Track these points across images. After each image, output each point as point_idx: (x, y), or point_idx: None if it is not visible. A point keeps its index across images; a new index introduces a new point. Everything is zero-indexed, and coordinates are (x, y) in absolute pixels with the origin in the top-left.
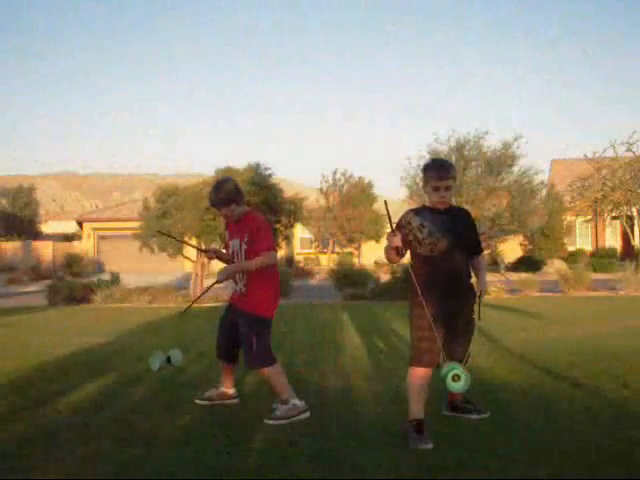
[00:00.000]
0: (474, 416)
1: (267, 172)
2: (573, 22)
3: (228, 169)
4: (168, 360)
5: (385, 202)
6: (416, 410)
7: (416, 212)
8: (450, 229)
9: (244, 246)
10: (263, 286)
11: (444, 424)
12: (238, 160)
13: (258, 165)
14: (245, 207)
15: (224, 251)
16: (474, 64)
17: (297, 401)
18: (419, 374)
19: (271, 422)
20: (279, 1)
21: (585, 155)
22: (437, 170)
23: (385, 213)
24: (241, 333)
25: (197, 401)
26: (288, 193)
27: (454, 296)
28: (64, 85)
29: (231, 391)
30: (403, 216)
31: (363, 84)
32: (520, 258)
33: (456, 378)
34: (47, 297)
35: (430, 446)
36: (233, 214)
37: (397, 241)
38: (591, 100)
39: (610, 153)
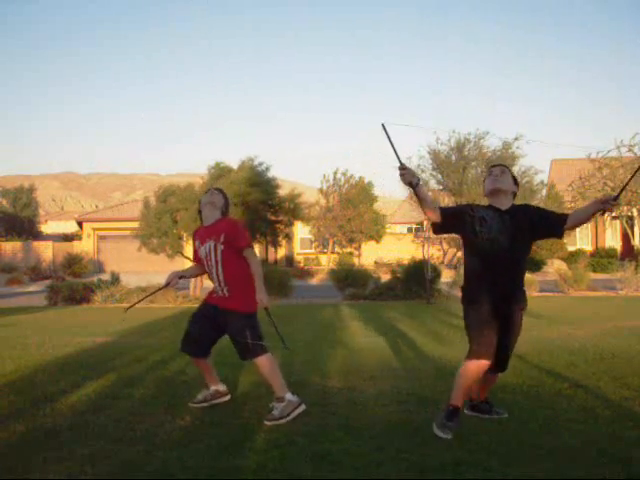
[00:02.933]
0: (494, 416)
1: (262, 167)
2: (573, 22)
3: (219, 165)
4: None
5: (383, 125)
6: (457, 396)
7: (481, 206)
8: (507, 230)
9: (220, 247)
10: (244, 286)
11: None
12: (238, 159)
13: (253, 160)
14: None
15: (189, 265)
16: (474, 64)
17: (290, 395)
18: (475, 366)
19: (270, 423)
20: None
21: (589, 155)
22: (492, 165)
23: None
24: (232, 332)
25: (191, 405)
26: (285, 191)
27: (505, 298)
28: (64, 85)
29: (222, 388)
30: (468, 204)
31: (363, 84)
32: None
33: None
34: (47, 297)
35: (448, 437)
36: (211, 209)
37: (409, 176)
38: (591, 100)
39: (614, 154)
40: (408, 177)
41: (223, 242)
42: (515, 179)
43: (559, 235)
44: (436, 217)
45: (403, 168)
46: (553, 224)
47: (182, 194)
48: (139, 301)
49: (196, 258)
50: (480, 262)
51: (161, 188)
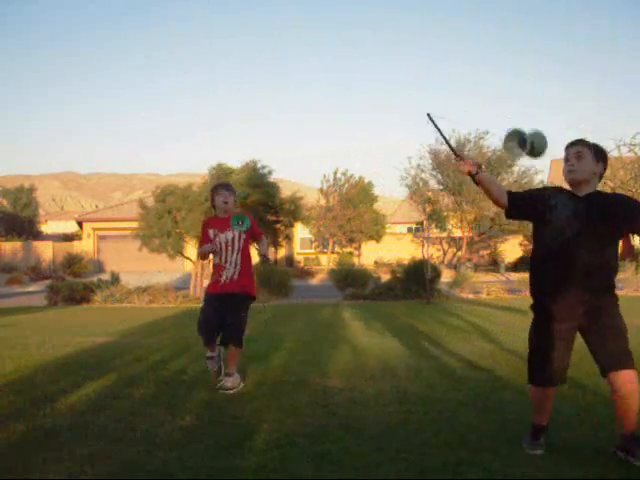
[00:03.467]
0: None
1: (264, 170)
2: (574, 22)
3: (221, 166)
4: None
5: (428, 114)
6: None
7: (556, 191)
8: (581, 217)
9: (243, 236)
10: (251, 272)
11: (443, 424)
12: (239, 160)
13: (255, 163)
14: None
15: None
16: (475, 64)
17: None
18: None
19: (229, 392)
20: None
21: None
22: (569, 142)
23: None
24: (236, 314)
25: (222, 391)
26: (287, 193)
27: (582, 297)
28: (64, 85)
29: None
30: (545, 187)
31: (364, 84)
32: (520, 258)
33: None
34: (47, 297)
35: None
36: (230, 206)
37: (468, 165)
38: (591, 100)
39: (615, 154)
40: (467, 166)
41: (245, 232)
42: (600, 154)
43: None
44: (503, 204)
45: (459, 157)
46: (632, 217)
47: (182, 194)
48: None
49: (209, 240)
50: (546, 254)
51: (159, 188)
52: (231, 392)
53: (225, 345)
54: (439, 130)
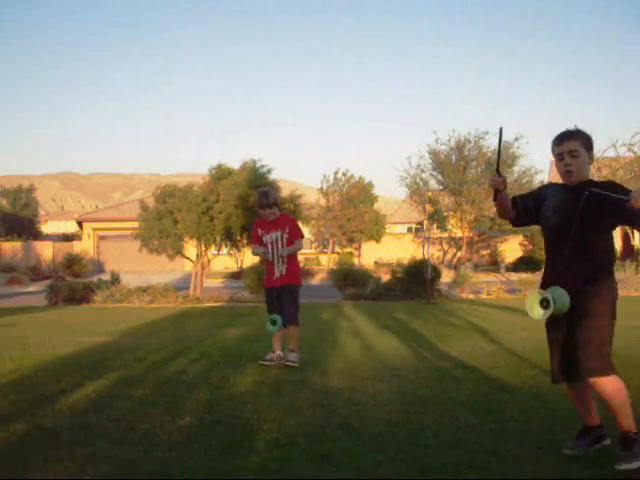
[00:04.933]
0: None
1: (264, 169)
2: (573, 22)
3: (220, 167)
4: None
5: (500, 129)
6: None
7: (552, 185)
8: (566, 207)
9: (285, 236)
10: (296, 264)
11: (443, 424)
12: (239, 160)
13: (254, 162)
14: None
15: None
16: (475, 64)
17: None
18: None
19: (294, 365)
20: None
21: None
22: (557, 136)
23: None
24: (287, 300)
25: (261, 362)
26: (286, 192)
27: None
28: (65, 85)
29: (281, 353)
30: (542, 185)
31: (364, 84)
32: (520, 258)
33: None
34: (47, 297)
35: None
36: (273, 215)
37: (499, 183)
38: (591, 100)
39: (611, 153)
40: (498, 183)
41: (287, 232)
42: (589, 142)
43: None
44: (511, 216)
45: (499, 175)
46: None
47: (182, 195)
48: None
49: (257, 241)
50: (546, 247)
51: (159, 188)
52: (295, 365)
53: (285, 326)
54: (500, 144)
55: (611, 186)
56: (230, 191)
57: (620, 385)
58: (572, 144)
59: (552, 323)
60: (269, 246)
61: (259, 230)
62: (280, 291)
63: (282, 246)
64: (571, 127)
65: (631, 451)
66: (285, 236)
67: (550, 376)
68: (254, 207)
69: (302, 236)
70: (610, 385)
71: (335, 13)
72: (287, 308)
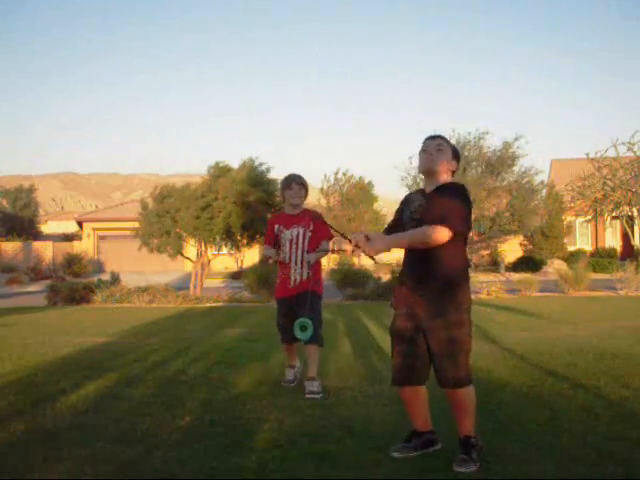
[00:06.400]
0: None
1: (263, 167)
2: (574, 23)
3: (219, 165)
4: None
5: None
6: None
7: (412, 192)
8: (419, 213)
9: (309, 233)
10: (319, 269)
11: (443, 424)
12: (239, 159)
13: (253, 161)
14: None
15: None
16: (475, 64)
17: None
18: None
19: (318, 397)
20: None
21: (587, 154)
22: (431, 135)
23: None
24: (311, 310)
25: (283, 384)
26: None
27: (417, 300)
28: (65, 85)
29: (299, 363)
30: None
31: (364, 83)
32: (520, 258)
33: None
34: (47, 297)
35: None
36: (302, 201)
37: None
38: (591, 100)
39: (612, 153)
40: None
41: (311, 230)
42: (457, 153)
43: None
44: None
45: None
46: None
47: (181, 194)
48: None
49: (271, 241)
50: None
51: (157, 189)
52: (318, 398)
53: (305, 343)
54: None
55: (446, 193)
56: (229, 189)
57: (474, 393)
58: (440, 141)
59: (398, 335)
60: (287, 245)
61: (276, 226)
62: (298, 300)
63: (304, 245)
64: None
65: (470, 456)
66: (308, 234)
67: (391, 377)
68: (254, 205)
69: (331, 236)
70: (471, 394)
71: (335, 13)
72: (315, 318)
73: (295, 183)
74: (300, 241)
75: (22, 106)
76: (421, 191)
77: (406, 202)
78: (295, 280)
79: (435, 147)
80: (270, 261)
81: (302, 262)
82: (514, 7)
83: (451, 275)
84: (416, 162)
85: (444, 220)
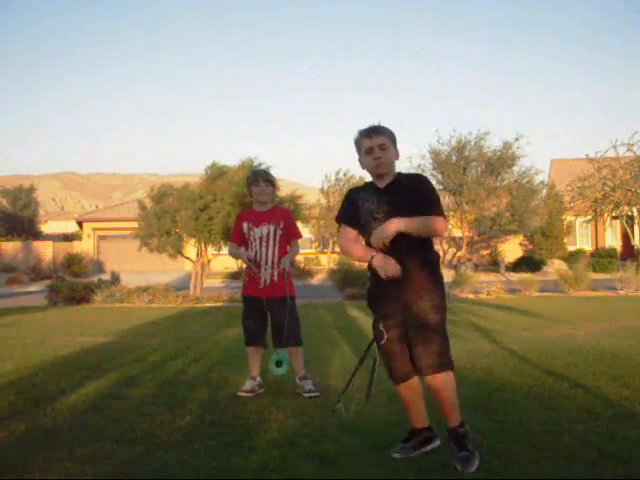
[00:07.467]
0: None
1: (262, 167)
2: (573, 22)
3: (216, 165)
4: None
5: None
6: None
7: (359, 189)
8: (384, 209)
9: (279, 232)
10: (290, 271)
11: (443, 424)
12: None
13: (252, 161)
14: None
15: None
16: (475, 63)
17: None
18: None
19: (317, 394)
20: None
21: (587, 155)
22: (366, 130)
23: None
24: (289, 317)
25: (240, 394)
26: (287, 192)
27: (394, 298)
28: (65, 85)
29: (260, 380)
30: (347, 195)
31: (365, 84)
32: (520, 258)
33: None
34: (47, 297)
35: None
36: (270, 198)
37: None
38: (592, 100)
39: (611, 154)
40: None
41: (282, 228)
42: (393, 137)
43: None
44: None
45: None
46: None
47: (180, 194)
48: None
49: (239, 239)
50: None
51: (154, 189)
52: (317, 394)
53: (284, 346)
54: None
55: (419, 183)
56: (227, 189)
57: (454, 381)
58: (381, 139)
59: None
60: (256, 243)
61: (244, 224)
62: (271, 305)
63: (274, 244)
64: (376, 123)
65: (468, 450)
66: (279, 232)
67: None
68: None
69: (300, 235)
70: (450, 381)
71: (335, 12)
72: (289, 326)
73: (262, 179)
74: (271, 240)
75: (22, 106)
76: (372, 186)
77: (358, 199)
78: (265, 280)
79: (378, 147)
80: (239, 258)
81: (273, 262)
82: (515, 8)
83: (431, 261)
84: (416, 161)
85: (438, 213)
